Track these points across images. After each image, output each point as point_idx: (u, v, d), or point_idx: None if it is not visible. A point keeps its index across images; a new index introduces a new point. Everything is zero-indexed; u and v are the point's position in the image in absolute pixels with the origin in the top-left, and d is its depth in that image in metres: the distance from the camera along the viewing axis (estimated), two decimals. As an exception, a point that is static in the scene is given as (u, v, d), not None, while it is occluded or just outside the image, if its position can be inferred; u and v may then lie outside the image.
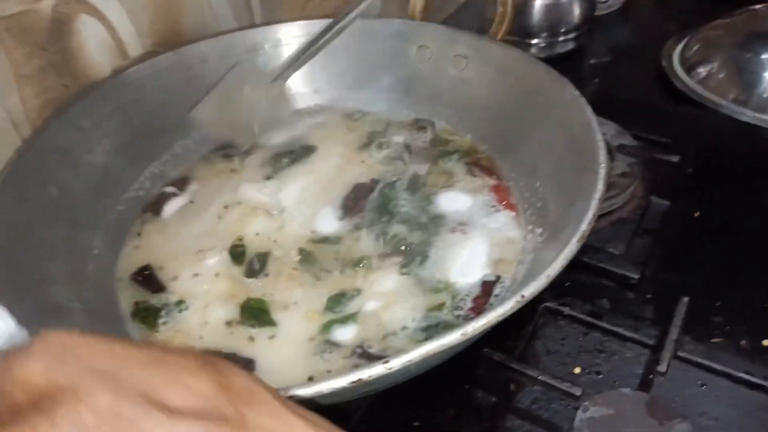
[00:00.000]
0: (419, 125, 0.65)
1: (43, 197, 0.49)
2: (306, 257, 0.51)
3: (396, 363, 0.31)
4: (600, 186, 0.42)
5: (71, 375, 0.20)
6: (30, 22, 0.48)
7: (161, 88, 0.59)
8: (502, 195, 0.56)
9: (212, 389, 0.21)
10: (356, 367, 0.34)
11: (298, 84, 0.67)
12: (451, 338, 0.32)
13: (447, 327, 0.44)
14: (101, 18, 0.53)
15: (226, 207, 0.56)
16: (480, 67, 0.62)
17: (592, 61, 0.89)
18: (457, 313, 0.47)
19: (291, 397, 0.28)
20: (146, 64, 0.58)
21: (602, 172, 0.43)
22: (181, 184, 0.60)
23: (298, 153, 0.62)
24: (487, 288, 0.48)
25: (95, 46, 0.54)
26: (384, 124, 0.66)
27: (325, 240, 0.53)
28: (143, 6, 0.57)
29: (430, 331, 0.46)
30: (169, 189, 0.59)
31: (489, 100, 0.61)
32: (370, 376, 0.30)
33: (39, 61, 0.49)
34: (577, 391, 0.44)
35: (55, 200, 0.49)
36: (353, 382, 0.30)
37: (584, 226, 0.38)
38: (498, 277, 0.49)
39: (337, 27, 0.62)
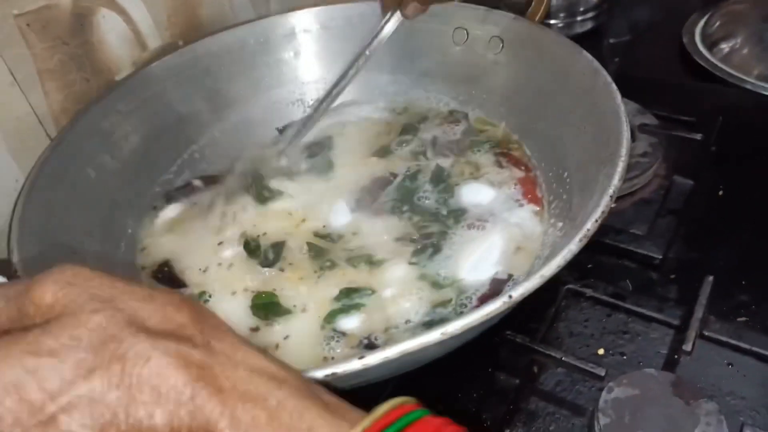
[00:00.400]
0: (453, 118, 0.64)
1: (81, 178, 0.50)
2: (317, 251, 0.51)
3: (371, 359, 0.31)
4: (615, 182, 0.40)
5: (76, 298, 0.25)
6: (51, 17, 0.49)
7: (193, 76, 0.61)
8: (528, 188, 0.55)
9: (187, 320, 0.26)
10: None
11: (334, 72, 0.67)
12: (430, 337, 0.32)
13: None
14: (120, 11, 0.54)
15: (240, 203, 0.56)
16: (516, 50, 0.62)
17: (612, 40, 0.88)
18: (461, 310, 0.47)
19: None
20: (177, 54, 0.60)
21: (621, 166, 0.41)
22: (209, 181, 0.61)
23: (320, 148, 0.62)
24: (495, 286, 0.48)
25: (115, 39, 0.54)
26: (416, 118, 0.65)
27: (334, 234, 0.53)
28: (162, -2, 0.58)
29: (432, 326, 0.46)
30: (197, 182, 0.60)
31: (524, 84, 0.61)
32: (344, 371, 0.31)
33: (61, 56, 0.50)
34: (602, 372, 0.44)
35: (93, 182, 0.51)
36: (327, 375, 0.30)
37: (589, 225, 0.37)
38: (510, 276, 0.48)
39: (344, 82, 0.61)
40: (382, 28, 0.59)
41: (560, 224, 0.50)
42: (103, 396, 0.23)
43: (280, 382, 0.26)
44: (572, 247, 0.36)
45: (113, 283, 0.26)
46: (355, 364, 0.31)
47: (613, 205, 0.40)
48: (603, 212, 0.38)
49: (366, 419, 0.26)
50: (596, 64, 0.53)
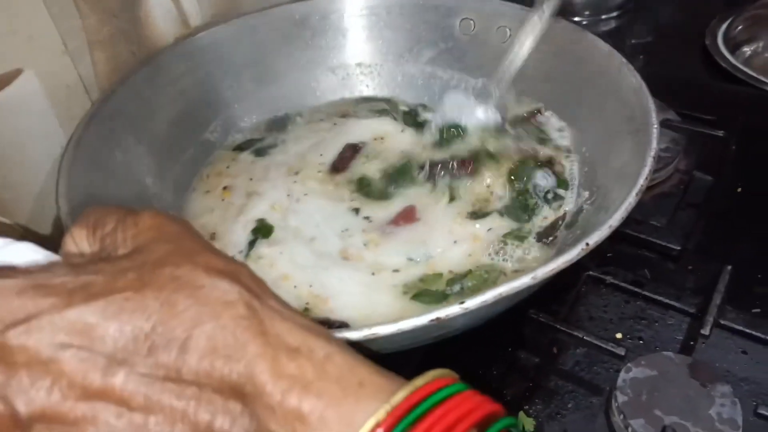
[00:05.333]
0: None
1: (111, 161, 0.51)
2: None
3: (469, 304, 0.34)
4: (654, 145, 0.44)
5: (159, 233, 0.27)
6: (104, -10, 0.50)
7: (220, 56, 0.62)
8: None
9: (246, 273, 0.27)
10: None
11: (345, 65, 0.69)
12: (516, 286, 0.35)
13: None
14: (166, -13, 0.55)
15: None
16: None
17: (634, 40, 0.89)
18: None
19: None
20: (220, 27, 0.61)
21: (655, 132, 0.45)
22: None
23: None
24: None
25: (161, 15, 0.56)
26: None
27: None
28: (205, -23, 0.59)
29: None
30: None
31: (533, 69, 0.62)
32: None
33: (110, 29, 0.52)
34: (622, 352, 0.45)
35: (122, 163, 0.52)
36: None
37: (641, 181, 0.40)
38: None
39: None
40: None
41: (586, 193, 0.52)
42: (146, 307, 0.23)
43: (328, 338, 0.25)
44: (631, 200, 0.39)
45: (192, 235, 0.28)
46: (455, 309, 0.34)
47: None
48: (651, 170, 0.42)
49: (418, 379, 0.25)
50: (609, 47, 0.56)
